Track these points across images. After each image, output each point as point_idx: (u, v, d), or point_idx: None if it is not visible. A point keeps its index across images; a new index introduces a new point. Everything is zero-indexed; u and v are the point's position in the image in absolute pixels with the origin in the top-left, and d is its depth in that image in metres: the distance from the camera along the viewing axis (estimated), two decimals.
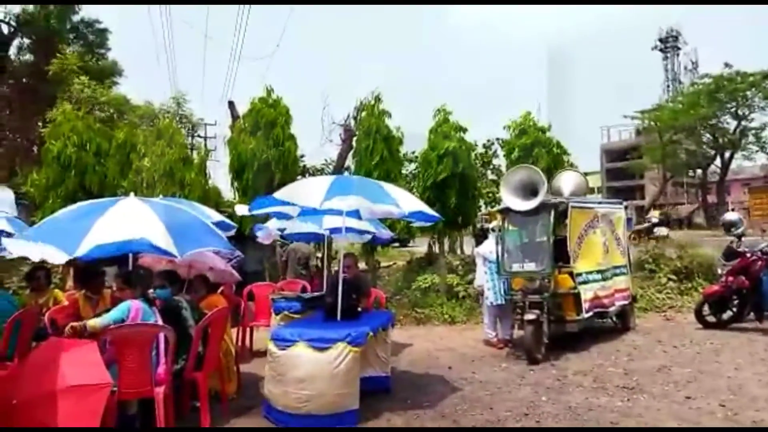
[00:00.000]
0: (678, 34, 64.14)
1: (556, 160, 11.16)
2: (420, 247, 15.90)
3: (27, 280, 5.93)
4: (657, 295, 10.04)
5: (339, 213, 5.21)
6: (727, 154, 39.31)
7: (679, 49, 64.07)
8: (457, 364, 6.66)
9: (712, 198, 41.60)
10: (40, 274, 5.68)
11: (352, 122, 12.41)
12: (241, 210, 7.42)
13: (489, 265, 7.41)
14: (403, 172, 13.11)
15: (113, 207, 4.41)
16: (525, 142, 11.17)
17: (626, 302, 8.05)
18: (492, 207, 13.05)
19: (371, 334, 4.89)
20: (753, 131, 37.88)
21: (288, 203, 5.29)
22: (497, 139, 13.58)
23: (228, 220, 6.48)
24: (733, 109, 37.26)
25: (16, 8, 23.98)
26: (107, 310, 4.36)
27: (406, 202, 5.32)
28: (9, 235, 5.33)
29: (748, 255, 7.69)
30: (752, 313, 7.70)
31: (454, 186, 10.51)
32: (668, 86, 62.09)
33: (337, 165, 13.23)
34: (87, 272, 5.49)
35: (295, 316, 6.14)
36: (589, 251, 7.45)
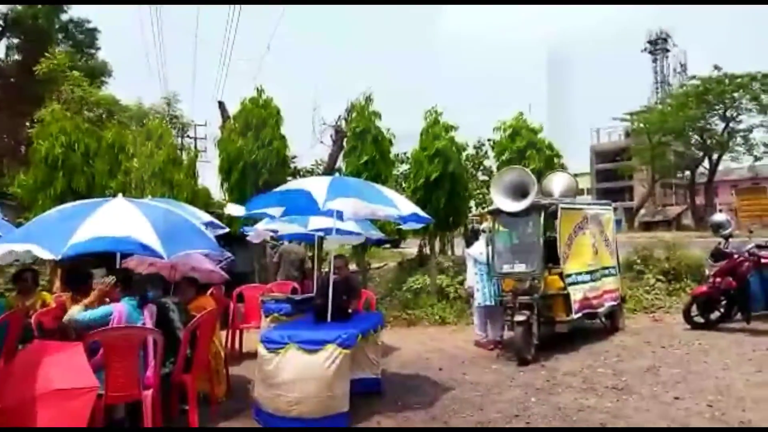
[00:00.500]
0: (667, 36, 64.59)
1: (547, 162, 11.10)
2: (411, 248, 15.89)
3: (14, 282, 5.83)
4: (645, 295, 10.09)
5: (340, 214, 5.15)
6: (715, 156, 39.73)
7: (668, 51, 64.58)
8: (448, 366, 6.66)
9: (700, 199, 41.95)
10: (27, 276, 5.60)
11: (343, 123, 12.37)
12: (235, 210, 7.18)
13: (479, 266, 7.42)
14: (395, 173, 13.09)
15: (101, 207, 4.37)
16: (519, 146, 11.07)
17: (615, 303, 8.09)
18: (483, 208, 13.06)
19: (362, 335, 4.88)
20: (741, 133, 38.37)
21: (288, 203, 5.26)
22: (488, 140, 13.56)
23: (217, 221, 6.43)
24: (721, 111, 37.69)
25: (4, 7, 23.79)
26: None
27: (403, 204, 5.34)
28: None
29: (736, 256, 7.76)
30: (739, 314, 7.76)
31: (445, 187, 10.49)
32: (657, 88, 62.54)
33: (327, 166, 13.17)
34: (74, 274, 5.41)
35: (286, 318, 6.12)
36: (579, 252, 7.49)
